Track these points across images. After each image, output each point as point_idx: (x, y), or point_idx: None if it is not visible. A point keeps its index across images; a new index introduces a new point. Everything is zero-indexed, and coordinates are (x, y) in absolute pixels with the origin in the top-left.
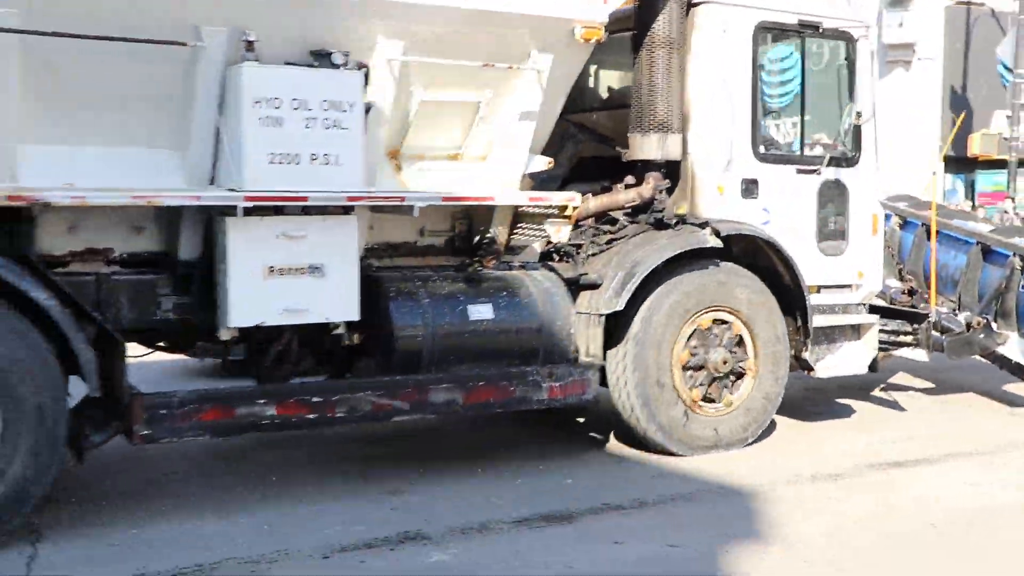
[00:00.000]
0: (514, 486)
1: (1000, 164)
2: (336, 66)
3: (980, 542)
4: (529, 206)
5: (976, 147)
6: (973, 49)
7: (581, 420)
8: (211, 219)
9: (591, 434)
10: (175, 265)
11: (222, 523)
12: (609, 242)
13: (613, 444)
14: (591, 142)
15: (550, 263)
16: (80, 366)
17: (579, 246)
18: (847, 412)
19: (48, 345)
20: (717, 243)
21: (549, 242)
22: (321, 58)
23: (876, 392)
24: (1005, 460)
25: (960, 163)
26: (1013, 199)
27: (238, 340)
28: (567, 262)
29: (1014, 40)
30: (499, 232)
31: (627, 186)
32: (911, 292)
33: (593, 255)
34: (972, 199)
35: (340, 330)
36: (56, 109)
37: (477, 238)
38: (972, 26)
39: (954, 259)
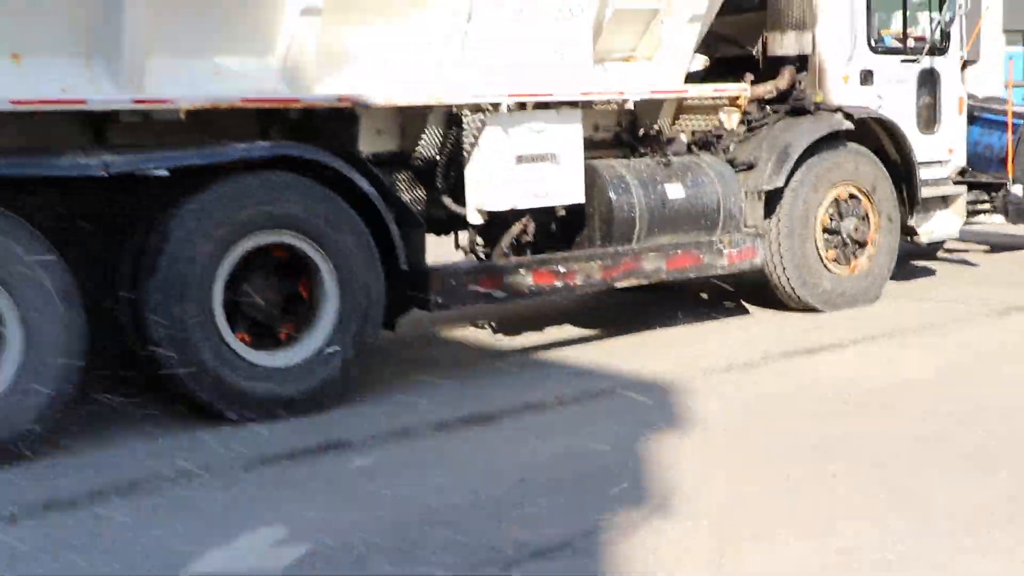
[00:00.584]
0: (434, 394)
1: None
2: None
3: (888, 413)
4: (713, 96)
5: None
6: None
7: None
8: (453, 118)
9: (498, 337)
10: (408, 161)
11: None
12: (751, 129)
13: (528, 354)
14: (717, 43)
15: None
16: (394, 246)
17: (719, 136)
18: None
19: (368, 229)
20: (850, 126)
21: (723, 129)
22: None
23: None
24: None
25: None
26: None
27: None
28: (709, 150)
29: None
30: (664, 124)
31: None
32: (962, 172)
33: (740, 141)
34: None
35: (562, 212)
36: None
37: (642, 131)
38: None
39: (999, 139)
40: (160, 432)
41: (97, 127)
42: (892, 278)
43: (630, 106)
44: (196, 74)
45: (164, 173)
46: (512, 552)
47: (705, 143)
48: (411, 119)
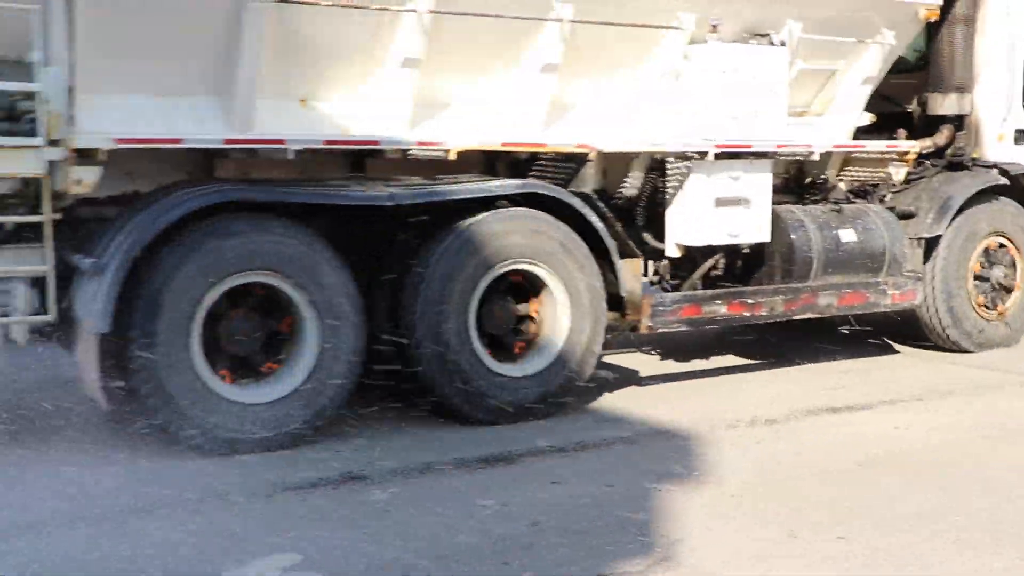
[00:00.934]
0: (457, 432)
1: None
2: (772, 44)
3: (899, 477)
4: (883, 151)
5: None
6: None
7: None
8: (656, 163)
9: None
10: (608, 199)
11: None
12: (907, 181)
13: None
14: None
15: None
16: (616, 273)
17: (875, 185)
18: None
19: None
20: (1006, 182)
21: (888, 181)
22: (760, 38)
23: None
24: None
25: None
26: None
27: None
28: (865, 199)
29: None
30: (830, 175)
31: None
32: None
33: (897, 192)
34: None
35: (747, 249)
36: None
37: (808, 179)
38: None
39: None
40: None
41: (357, 163)
42: None
43: (815, 157)
44: (462, 124)
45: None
46: None
47: (862, 192)
48: (614, 163)
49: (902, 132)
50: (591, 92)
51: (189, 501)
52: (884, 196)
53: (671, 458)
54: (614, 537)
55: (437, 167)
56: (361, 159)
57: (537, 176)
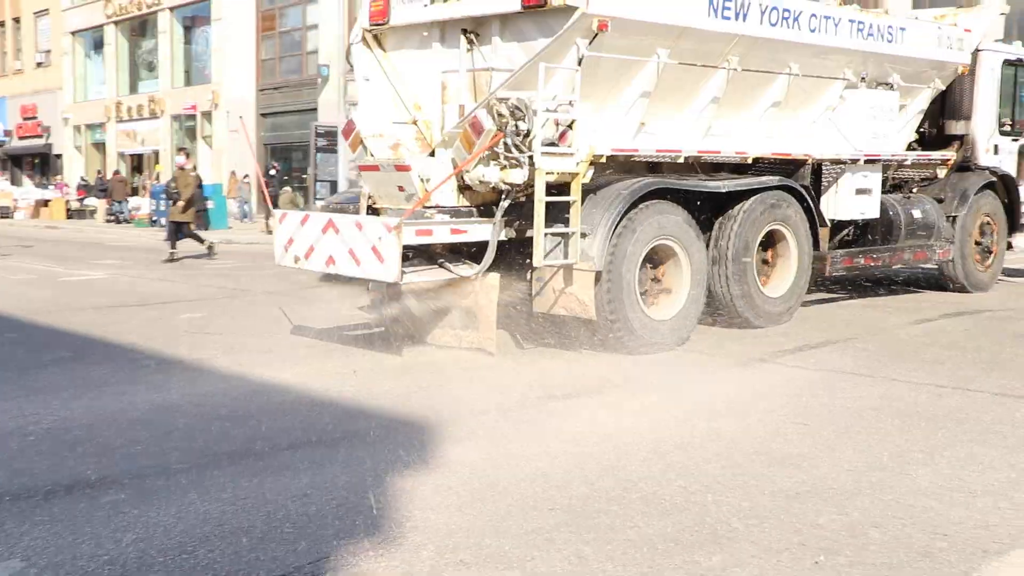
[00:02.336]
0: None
1: None
2: (892, 88)
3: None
4: (935, 159)
5: None
6: None
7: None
8: (816, 166)
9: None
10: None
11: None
12: (931, 181)
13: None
14: None
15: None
16: (816, 234)
17: (906, 181)
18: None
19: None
20: (995, 179)
21: (933, 177)
22: (885, 85)
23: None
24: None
25: None
26: None
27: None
28: (901, 190)
29: None
30: (890, 174)
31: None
32: None
33: (923, 187)
34: None
35: (862, 223)
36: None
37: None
38: None
39: None
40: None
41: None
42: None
43: (908, 163)
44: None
45: (755, 187)
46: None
47: (897, 186)
48: (790, 165)
49: (916, 148)
50: (793, 119)
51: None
52: (913, 190)
53: (407, 448)
54: (343, 523)
55: (704, 168)
56: (658, 164)
57: (757, 174)
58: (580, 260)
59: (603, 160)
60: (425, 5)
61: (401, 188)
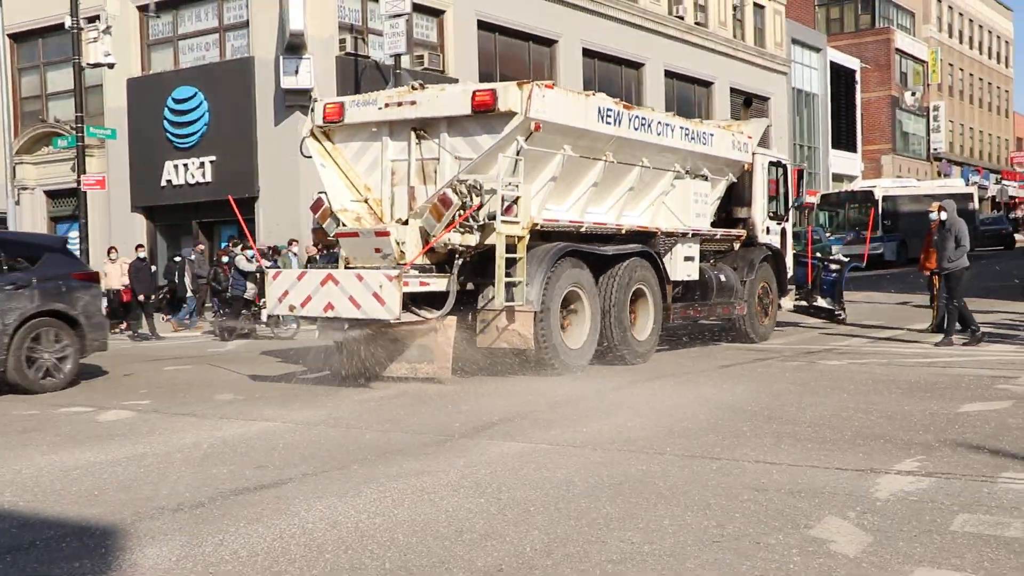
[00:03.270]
0: None
1: None
2: (706, 179)
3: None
4: (733, 235)
5: None
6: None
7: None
8: (652, 235)
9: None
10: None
11: None
12: (725, 253)
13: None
14: None
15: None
16: (665, 294)
17: (712, 253)
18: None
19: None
20: (770, 253)
21: (729, 250)
22: (701, 176)
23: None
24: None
25: None
26: None
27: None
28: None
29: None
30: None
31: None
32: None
33: (720, 258)
34: None
35: (687, 282)
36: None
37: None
38: (360, 75)
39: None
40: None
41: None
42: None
43: (716, 237)
44: (608, 215)
45: (627, 252)
46: None
47: (704, 256)
48: (646, 236)
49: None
50: (645, 201)
51: None
52: (712, 260)
53: (80, 555)
54: None
55: (587, 238)
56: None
57: (625, 242)
58: (524, 303)
59: (537, 227)
60: (380, 107)
61: (378, 250)
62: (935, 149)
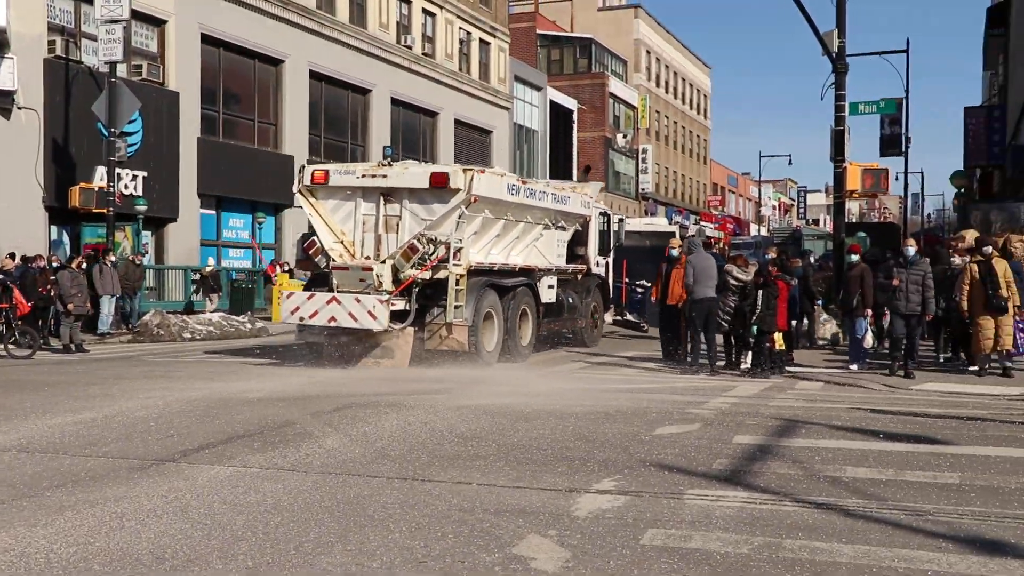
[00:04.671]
0: None
1: (101, 217)
2: (564, 229)
3: None
4: (579, 268)
5: (77, 200)
6: (74, 104)
7: None
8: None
9: None
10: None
11: None
12: (569, 282)
13: None
14: None
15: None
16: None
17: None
18: None
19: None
20: (600, 281)
21: (573, 279)
22: (559, 227)
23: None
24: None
25: (64, 215)
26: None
27: None
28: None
29: (106, 99)
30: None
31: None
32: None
33: (567, 285)
34: (79, 249)
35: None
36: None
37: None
38: (72, 81)
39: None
40: None
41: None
42: None
43: (569, 271)
44: (517, 257)
45: (512, 283)
46: None
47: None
48: (528, 271)
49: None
50: (522, 246)
51: None
52: (562, 288)
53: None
54: None
55: (496, 274)
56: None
57: (515, 276)
58: (462, 320)
59: (471, 267)
60: (358, 177)
61: (362, 280)
62: (643, 189)
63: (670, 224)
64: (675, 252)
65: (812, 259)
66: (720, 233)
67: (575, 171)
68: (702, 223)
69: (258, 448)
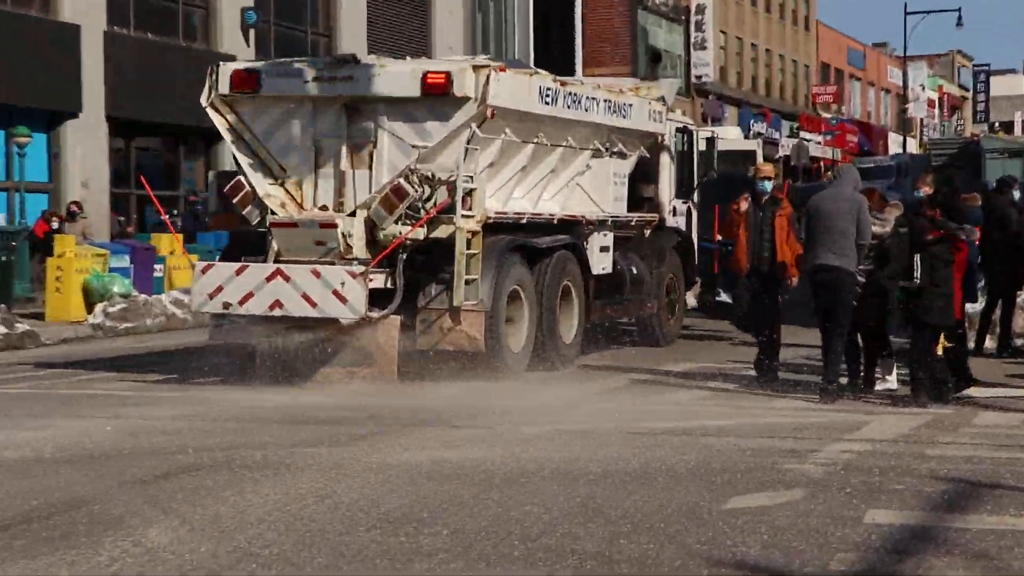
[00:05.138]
0: None
1: None
2: (624, 158)
3: None
4: (647, 219)
5: None
6: None
7: None
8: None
9: None
10: None
11: None
12: (629, 240)
13: None
14: None
15: None
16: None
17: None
18: None
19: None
20: (680, 240)
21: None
22: (617, 153)
23: None
24: None
25: None
26: None
27: None
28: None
29: None
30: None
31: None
32: None
33: (626, 245)
34: None
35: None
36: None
37: None
38: None
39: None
40: None
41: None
42: None
43: (632, 223)
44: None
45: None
46: None
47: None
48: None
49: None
50: (558, 185)
51: None
52: (620, 250)
53: None
54: None
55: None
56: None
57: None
58: (475, 302)
59: (488, 220)
60: (306, 81)
61: (320, 243)
62: (699, 77)
63: (748, 137)
64: (767, 186)
65: (1015, 193)
66: (834, 151)
67: (578, 55)
68: (803, 134)
69: (21, 550)
